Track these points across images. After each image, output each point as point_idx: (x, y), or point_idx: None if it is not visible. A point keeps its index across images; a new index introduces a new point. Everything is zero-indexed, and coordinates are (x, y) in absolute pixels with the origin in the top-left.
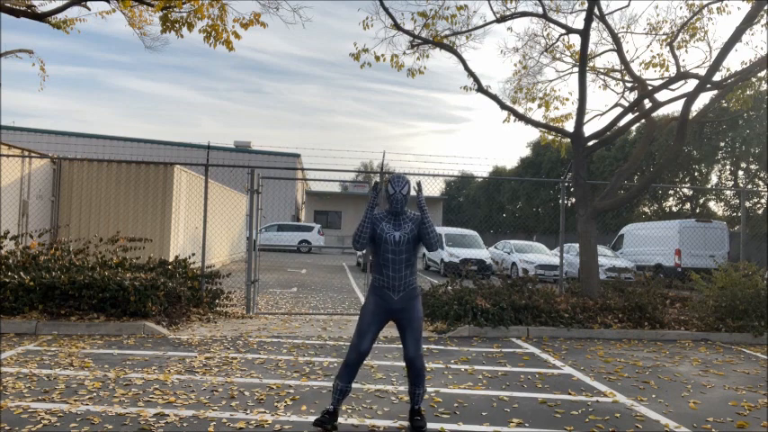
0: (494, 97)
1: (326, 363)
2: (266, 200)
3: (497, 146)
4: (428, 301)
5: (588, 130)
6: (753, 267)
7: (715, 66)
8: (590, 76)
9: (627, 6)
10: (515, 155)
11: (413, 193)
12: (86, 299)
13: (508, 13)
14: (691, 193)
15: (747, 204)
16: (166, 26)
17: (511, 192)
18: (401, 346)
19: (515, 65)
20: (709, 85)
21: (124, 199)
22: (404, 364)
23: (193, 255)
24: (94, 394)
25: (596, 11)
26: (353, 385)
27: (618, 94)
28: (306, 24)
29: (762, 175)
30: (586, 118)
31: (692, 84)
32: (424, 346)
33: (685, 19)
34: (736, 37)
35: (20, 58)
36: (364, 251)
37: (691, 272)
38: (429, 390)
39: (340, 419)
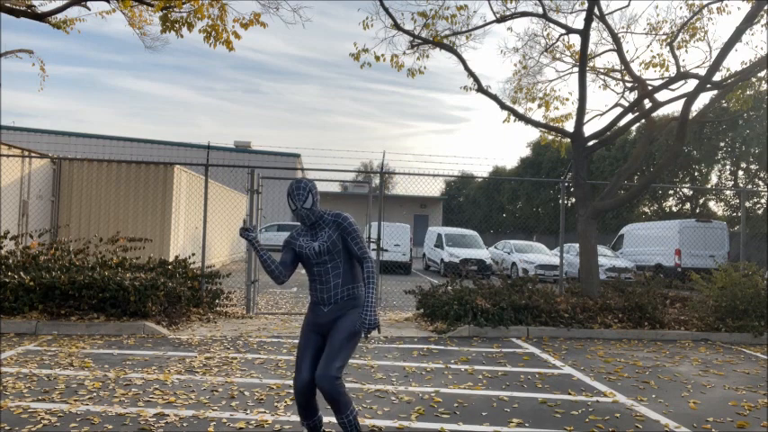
0: (494, 97)
1: None
2: (266, 200)
3: (497, 146)
4: (428, 301)
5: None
6: (753, 267)
7: (715, 66)
8: (590, 76)
9: (627, 6)
10: (515, 155)
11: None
12: (86, 299)
13: (508, 13)
14: (691, 193)
15: (747, 204)
16: (166, 26)
17: (511, 192)
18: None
19: (515, 65)
20: (709, 85)
21: (124, 199)
22: (404, 363)
23: (193, 255)
24: (94, 394)
25: (596, 11)
26: (353, 385)
27: (618, 94)
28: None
29: (762, 175)
30: (586, 118)
31: (692, 84)
32: (424, 346)
33: (685, 19)
34: (736, 37)
35: (20, 58)
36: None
37: (691, 272)
38: (429, 390)
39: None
